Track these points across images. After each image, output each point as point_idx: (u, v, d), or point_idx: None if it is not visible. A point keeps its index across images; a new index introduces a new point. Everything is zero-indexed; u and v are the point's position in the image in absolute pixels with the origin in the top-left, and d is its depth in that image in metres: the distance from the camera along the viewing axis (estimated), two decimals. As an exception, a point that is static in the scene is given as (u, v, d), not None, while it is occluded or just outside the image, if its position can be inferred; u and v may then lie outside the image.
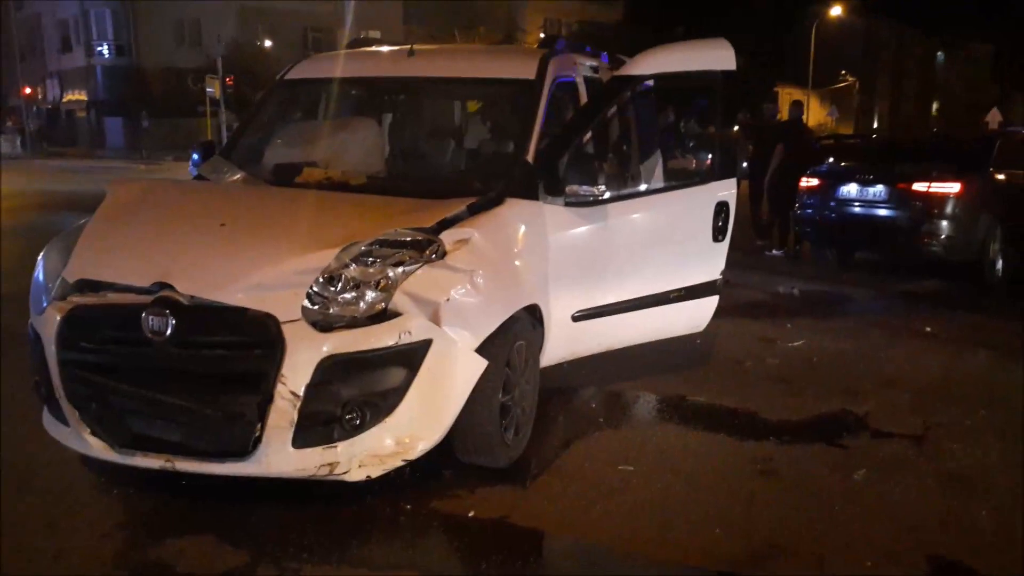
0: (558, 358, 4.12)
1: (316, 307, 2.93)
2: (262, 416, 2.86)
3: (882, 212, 8.00)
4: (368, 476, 3.01)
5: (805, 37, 39.66)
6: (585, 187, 3.76)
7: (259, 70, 31.49)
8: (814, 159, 9.22)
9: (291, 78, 4.63)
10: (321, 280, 2.96)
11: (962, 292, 7.72)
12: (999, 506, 3.30)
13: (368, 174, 4.05)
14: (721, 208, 4.48)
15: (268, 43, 36.64)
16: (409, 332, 2.97)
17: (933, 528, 3.12)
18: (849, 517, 3.19)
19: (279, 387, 2.84)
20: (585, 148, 3.96)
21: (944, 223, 7.58)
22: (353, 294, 2.98)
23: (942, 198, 7.58)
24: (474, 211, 3.43)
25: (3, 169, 25.27)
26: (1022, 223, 7.94)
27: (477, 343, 3.16)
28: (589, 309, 4.07)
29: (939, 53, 41.71)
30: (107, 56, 39.35)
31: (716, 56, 4.40)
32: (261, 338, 2.88)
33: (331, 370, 2.87)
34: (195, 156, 4.38)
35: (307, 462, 2.92)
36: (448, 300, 3.07)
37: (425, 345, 3.00)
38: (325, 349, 2.87)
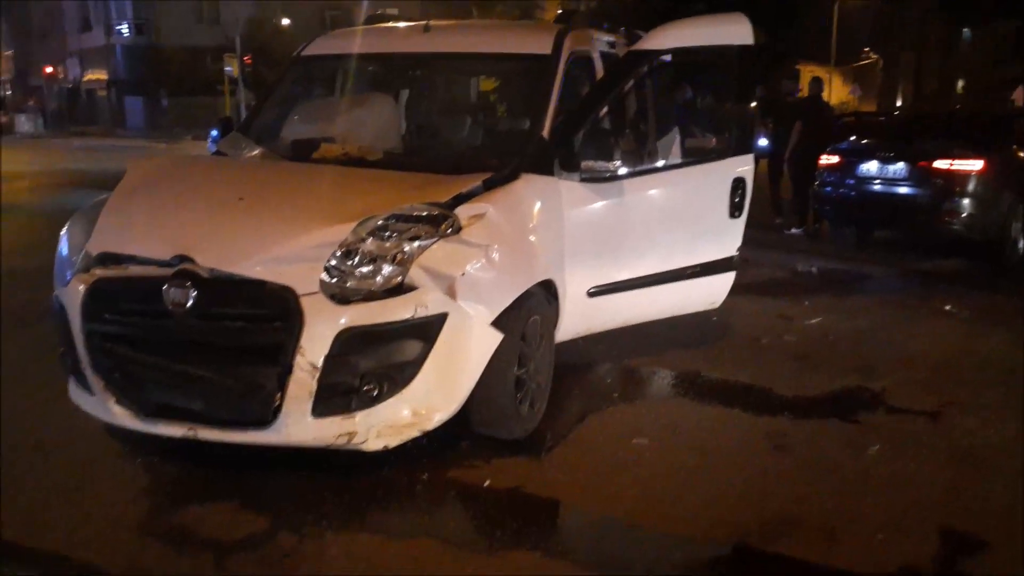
0: (573, 333, 4.15)
1: (334, 280, 2.98)
2: (282, 387, 2.92)
3: (902, 190, 7.92)
4: (385, 446, 3.07)
5: (827, 13, 39.02)
6: (600, 163, 3.77)
7: (276, 48, 31.48)
8: (834, 136, 9.13)
9: (308, 54, 4.66)
10: (339, 254, 3.00)
11: (982, 271, 7.64)
12: (1013, 482, 3.30)
13: (384, 150, 4.08)
14: (738, 184, 4.46)
15: (285, 21, 36.58)
16: (425, 306, 3.00)
17: (946, 503, 3.13)
18: (862, 491, 3.21)
19: (298, 358, 2.89)
20: (601, 124, 3.96)
21: (965, 201, 7.50)
22: (370, 268, 3.01)
23: (964, 176, 7.49)
24: (489, 186, 3.45)
25: (25, 148, 25.56)
26: (1046, 202, 7.84)
27: (492, 317, 3.19)
28: (604, 285, 4.09)
29: (965, 30, 40.93)
30: (127, 35, 39.47)
31: (733, 31, 4.37)
32: (280, 310, 2.92)
33: (349, 342, 2.92)
34: (214, 133, 4.42)
35: (326, 432, 2.98)
36: (463, 275, 3.11)
37: (441, 319, 3.04)
38: (343, 322, 2.91)
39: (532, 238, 3.57)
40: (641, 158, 4.42)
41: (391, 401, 3.02)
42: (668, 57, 4.49)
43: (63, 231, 3.48)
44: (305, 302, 2.91)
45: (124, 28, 39.43)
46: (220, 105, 33.55)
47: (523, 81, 4.52)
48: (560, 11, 5.14)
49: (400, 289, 3.02)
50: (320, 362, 2.90)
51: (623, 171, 3.94)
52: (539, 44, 4.16)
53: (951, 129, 8.82)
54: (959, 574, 2.74)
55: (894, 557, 2.75)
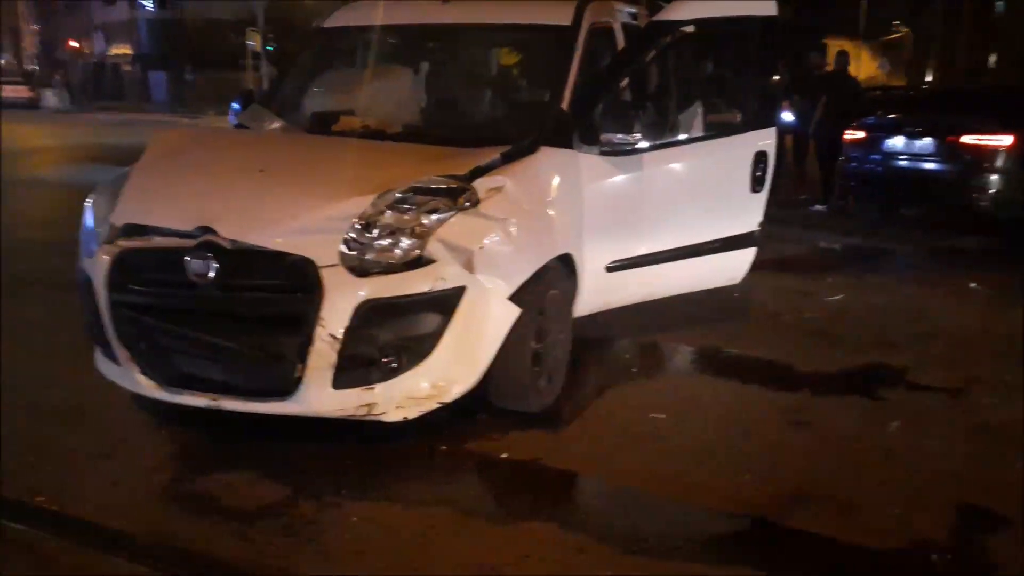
0: (592, 308, 4.14)
1: (353, 252, 2.99)
2: (303, 357, 2.95)
3: (929, 166, 7.80)
4: (405, 417, 3.10)
5: (857, -15, 38.22)
6: (620, 136, 3.75)
7: (298, 21, 31.37)
8: (859, 111, 8.98)
9: (329, 26, 4.66)
10: (358, 226, 3.01)
11: (1009, 248, 7.53)
12: (1034, 459, 3.28)
13: (404, 122, 4.07)
14: (760, 158, 4.42)
15: (308, -6, 36.43)
16: (443, 279, 3.02)
17: (965, 479, 3.12)
18: (880, 467, 3.21)
19: (318, 330, 2.92)
20: (621, 96, 3.93)
21: (994, 177, 7.37)
22: (389, 240, 3.03)
23: (992, 151, 7.36)
24: (508, 159, 3.44)
25: (52, 123, 25.81)
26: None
27: (510, 291, 3.20)
28: (623, 260, 4.08)
29: (999, 2, 39.91)
30: (150, 7, 39.53)
31: (756, 2, 4.30)
32: (300, 282, 2.95)
33: (368, 314, 2.94)
34: (235, 105, 4.44)
35: (346, 402, 3.02)
36: (482, 248, 3.11)
37: (459, 292, 3.06)
38: (362, 294, 2.94)
39: (550, 212, 3.57)
40: (662, 131, 4.39)
41: (410, 373, 3.05)
42: (691, 29, 4.43)
43: (87, 203, 3.52)
44: (325, 274, 2.94)
45: (147, 1, 39.50)
46: (243, 79, 33.60)
47: (543, 53, 4.49)
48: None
49: (419, 262, 3.03)
50: (340, 334, 2.93)
51: (643, 144, 3.91)
52: (559, 15, 4.12)
53: (980, 104, 8.65)
54: (978, 549, 2.73)
55: (912, 532, 2.75)
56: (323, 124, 4.08)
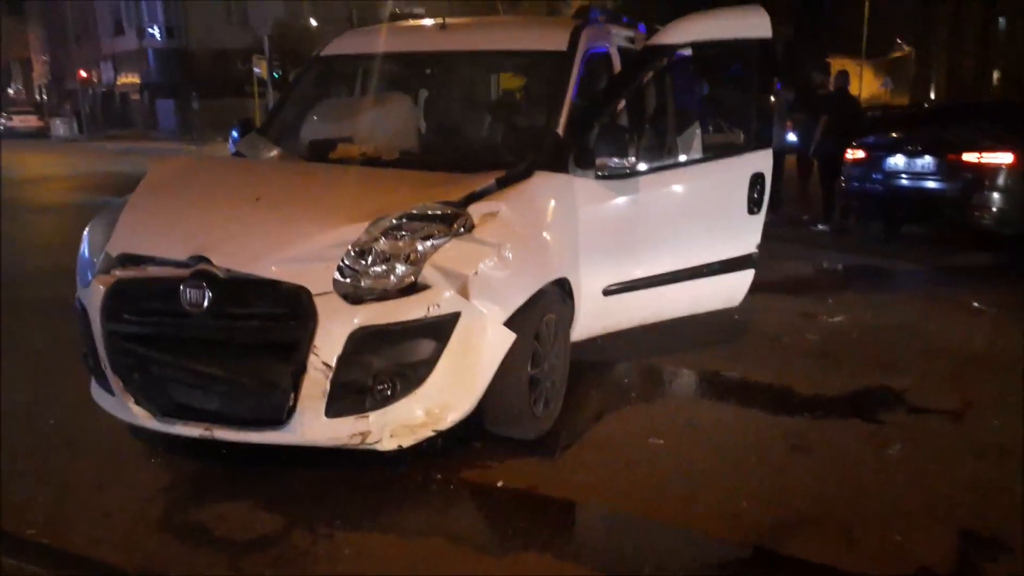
0: (590, 332, 4.13)
1: (347, 280, 2.99)
2: (296, 386, 2.94)
3: (930, 184, 7.78)
4: (399, 446, 3.07)
5: (858, 5, 38.39)
6: (615, 159, 3.75)
7: (304, 49, 31.70)
8: (860, 131, 8.99)
9: (327, 54, 4.69)
10: (352, 253, 3.01)
11: (1012, 267, 7.49)
12: (1038, 483, 3.24)
13: (401, 149, 4.09)
14: (756, 180, 4.41)
15: (313, 23, 36.86)
16: (438, 305, 3.01)
17: (967, 504, 3.08)
18: (881, 491, 3.16)
19: (312, 358, 2.91)
20: (616, 120, 3.94)
21: (996, 195, 7.34)
22: (383, 267, 3.03)
23: (993, 169, 7.34)
24: (503, 184, 3.44)
25: (61, 151, 26.07)
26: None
27: (506, 316, 3.19)
28: (621, 283, 4.07)
29: (1000, 19, 40.01)
30: (158, 38, 40.06)
31: (751, 23, 4.32)
32: (294, 310, 2.95)
33: (362, 341, 2.93)
34: (234, 134, 4.47)
35: (340, 431, 3.00)
36: (476, 273, 3.11)
37: (454, 318, 3.05)
38: (356, 321, 2.93)
39: (546, 236, 3.56)
40: (658, 154, 4.39)
41: (404, 401, 3.03)
42: (688, 51, 4.45)
43: (85, 232, 3.53)
44: (319, 301, 2.93)
45: (155, 31, 40.02)
46: (250, 107, 33.92)
47: (539, 78, 4.51)
48: (576, 7, 5.10)
49: (413, 288, 3.03)
50: (334, 361, 2.92)
51: (639, 168, 3.92)
52: (555, 41, 4.15)
53: (981, 121, 8.65)
54: (979, 577, 2.69)
55: (912, 559, 2.70)
56: (320, 152, 4.09)
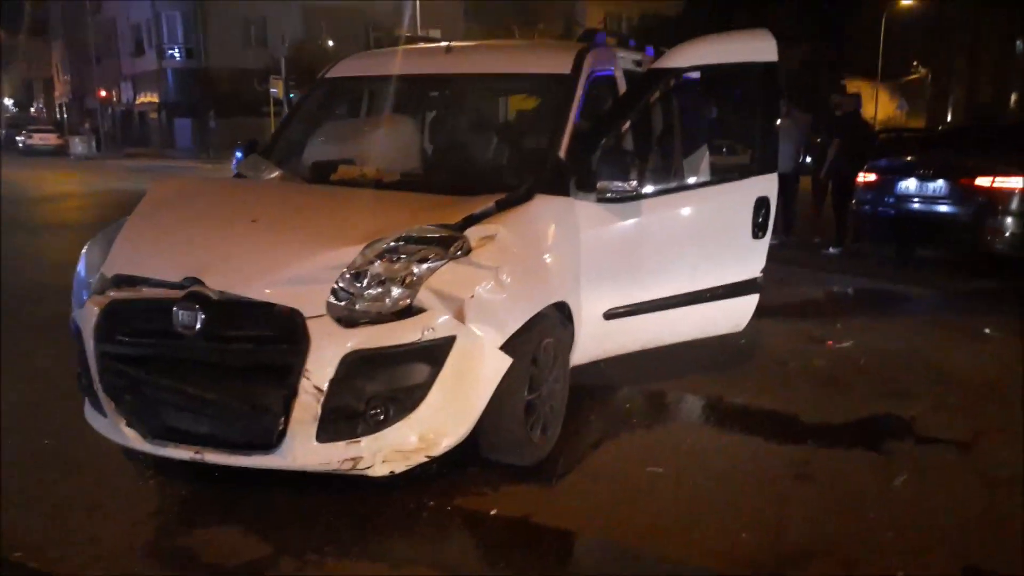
0: (590, 356, 4.08)
1: (342, 303, 2.96)
2: (287, 410, 2.90)
3: (943, 208, 7.69)
4: (392, 472, 3.03)
5: (875, 27, 38.38)
6: (617, 183, 3.71)
7: (320, 70, 32.01)
8: (871, 153, 8.93)
9: (332, 76, 4.70)
10: (348, 276, 2.99)
11: (1025, 292, 7.39)
12: (1048, 518, 3.14)
13: (403, 171, 4.07)
14: (761, 204, 4.36)
15: (330, 43, 37.26)
16: (433, 328, 2.97)
17: (973, 538, 2.99)
18: (884, 524, 3.08)
19: (303, 381, 2.88)
20: (619, 143, 3.90)
21: (1009, 219, 7.24)
22: (379, 290, 2.99)
23: (1007, 193, 7.25)
24: (502, 207, 3.42)
25: (79, 169, 26.37)
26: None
27: (502, 340, 3.14)
28: (622, 307, 4.02)
29: (1019, 42, 39.84)
30: (177, 59, 40.62)
31: (756, 47, 4.29)
32: (286, 333, 2.92)
33: (355, 365, 2.90)
34: (238, 154, 4.47)
35: (331, 456, 2.96)
36: (473, 297, 3.07)
37: (449, 341, 3.01)
38: (349, 345, 2.89)
39: (545, 259, 3.53)
40: (663, 177, 4.35)
41: (398, 426, 2.98)
42: (696, 74, 4.43)
43: (82, 252, 3.53)
44: (311, 325, 2.90)
45: (175, 52, 40.57)
46: (266, 126, 34.25)
47: (543, 101, 4.50)
48: (584, 30, 5.10)
49: (408, 312, 2.99)
50: (325, 385, 2.88)
51: (641, 191, 3.88)
52: (558, 63, 4.13)
53: (994, 145, 8.56)
54: (985, 616, 2.60)
55: (915, 596, 2.63)
56: (322, 173, 4.09)
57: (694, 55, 4.15)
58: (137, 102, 45.32)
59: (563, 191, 3.70)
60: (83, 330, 3.23)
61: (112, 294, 3.20)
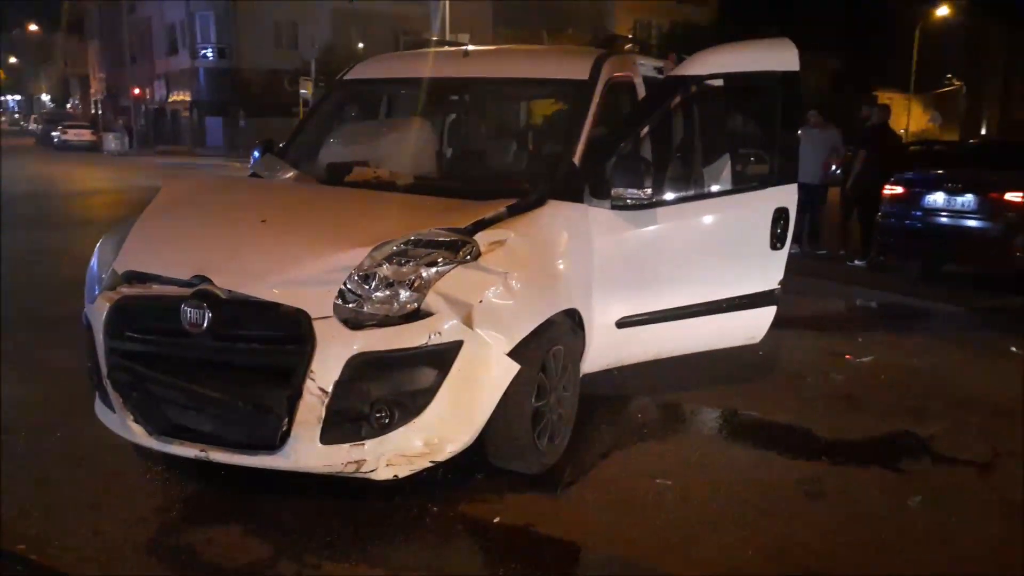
0: (602, 365, 4.04)
1: (349, 305, 2.95)
2: (291, 411, 2.89)
3: (971, 223, 7.54)
4: (395, 476, 3.00)
5: (908, 39, 37.93)
6: (631, 190, 3.67)
7: (350, 72, 32.18)
8: (899, 165, 8.78)
9: (350, 78, 4.71)
10: (356, 278, 2.97)
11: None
12: (1068, 544, 3.05)
13: (416, 174, 4.05)
14: (780, 214, 4.29)
15: (360, 45, 37.50)
16: (439, 333, 2.95)
17: (988, 562, 2.91)
18: (896, 545, 3.00)
19: (308, 383, 2.86)
20: (635, 150, 3.86)
21: (1039, 236, 7.09)
22: (387, 293, 2.98)
23: (1037, 209, 7.09)
24: (513, 212, 3.39)
25: (110, 166, 26.74)
26: None
27: (510, 346, 3.11)
28: (635, 316, 3.96)
29: (1055, 55, 39.17)
30: (210, 58, 41.09)
31: (777, 56, 4.23)
32: (292, 333, 2.91)
33: (360, 368, 2.88)
34: (256, 154, 4.49)
35: (334, 458, 2.94)
36: (481, 302, 3.04)
37: (455, 346, 2.98)
38: (355, 347, 2.88)
39: (556, 266, 3.49)
40: (679, 186, 4.30)
41: (402, 430, 2.96)
42: (720, 82, 4.37)
43: (96, 248, 3.55)
44: (318, 326, 2.89)
45: (208, 52, 41.04)
46: (295, 126, 34.47)
47: (559, 106, 4.46)
48: (604, 36, 5.06)
49: (416, 315, 2.97)
50: (330, 387, 2.86)
51: (656, 199, 3.83)
52: (576, 69, 4.10)
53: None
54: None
55: (925, 622, 2.55)
56: (336, 175, 4.08)
57: (714, 62, 4.10)
58: (169, 100, 45.91)
59: (576, 197, 3.67)
60: (94, 325, 3.25)
61: (123, 290, 3.21)
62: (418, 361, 2.96)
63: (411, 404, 2.97)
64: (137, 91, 45.04)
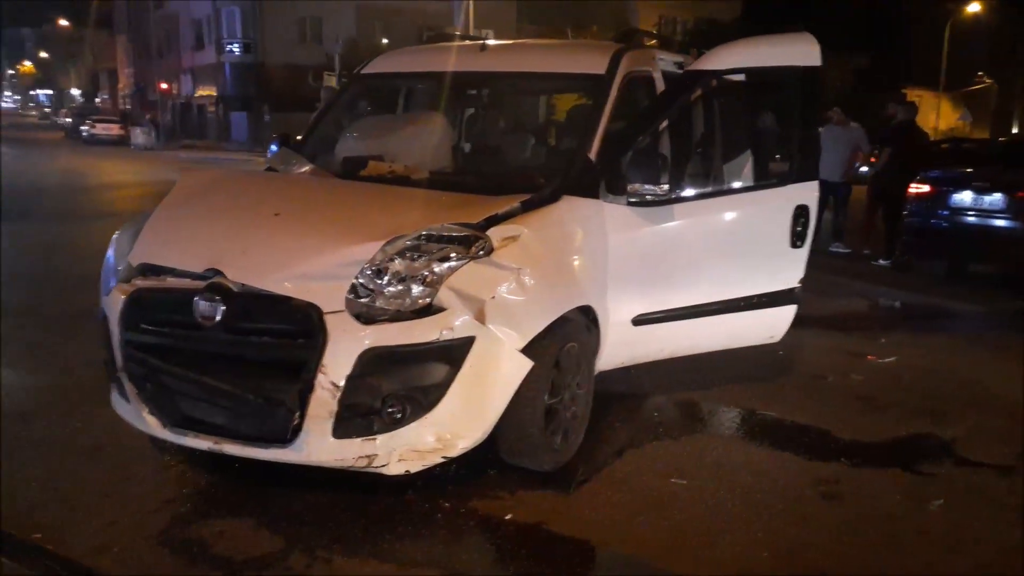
0: (618, 363, 4.00)
1: (361, 299, 2.94)
2: (302, 405, 2.89)
3: (999, 222, 7.41)
4: (407, 471, 2.99)
5: (937, 36, 37.34)
6: (648, 186, 3.63)
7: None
8: (925, 163, 8.64)
9: (367, 72, 4.70)
10: (368, 272, 2.96)
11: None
12: (1092, 551, 2.97)
13: (431, 168, 4.04)
14: (800, 212, 4.22)
15: (384, 41, 37.61)
16: (451, 328, 2.93)
17: (1009, 568, 2.84)
18: (914, 549, 2.95)
19: (320, 377, 2.86)
20: (652, 146, 3.81)
21: (1069, 235, 6.95)
22: (399, 288, 2.96)
23: (1068, 208, 6.95)
24: (527, 207, 3.36)
25: (138, 159, 27.05)
26: None
27: (523, 343, 3.08)
28: (651, 313, 3.92)
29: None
30: (235, 53, 41.42)
31: (798, 51, 4.15)
32: (304, 327, 2.90)
33: (372, 363, 2.87)
34: (273, 147, 4.50)
35: (346, 453, 2.93)
36: (493, 298, 3.02)
37: (467, 342, 2.96)
38: (367, 341, 2.87)
39: (571, 262, 3.46)
40: (697, 182, 4.25)
41: (414, 425, 2.95)
42: (727, 78, 4.31)
43: (112, 240, 3.57)
44: (329, 320, 2.88)
45: (234, 47, 41.38)
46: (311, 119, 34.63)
47: (576, 101, 4.43)
48: (623, 30, 5.01)
49: (428, 310, 2.95)
50: (342, 381, 2.86)
51: (673, 195, 3.79)
52: (593, 64, 4.06)
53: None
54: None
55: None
56: (352, 169, 4.08)
57: (733, 57, 4.04)
58: (196, 95, 46.35)
59: (592, 193, 3.63)
60: (109, 317, 3.27)
61: (138, 283, 3.23)
62: (430, 356, 2.95)
63: (423, 399, 2.95)
64: (164, 86, 45.53)
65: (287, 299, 2.94)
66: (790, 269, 4.32)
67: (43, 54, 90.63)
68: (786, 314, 4.39)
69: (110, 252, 3.51)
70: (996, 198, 7.42)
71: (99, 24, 64.60)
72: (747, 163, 4.88)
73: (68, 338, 5.20)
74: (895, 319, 6.97)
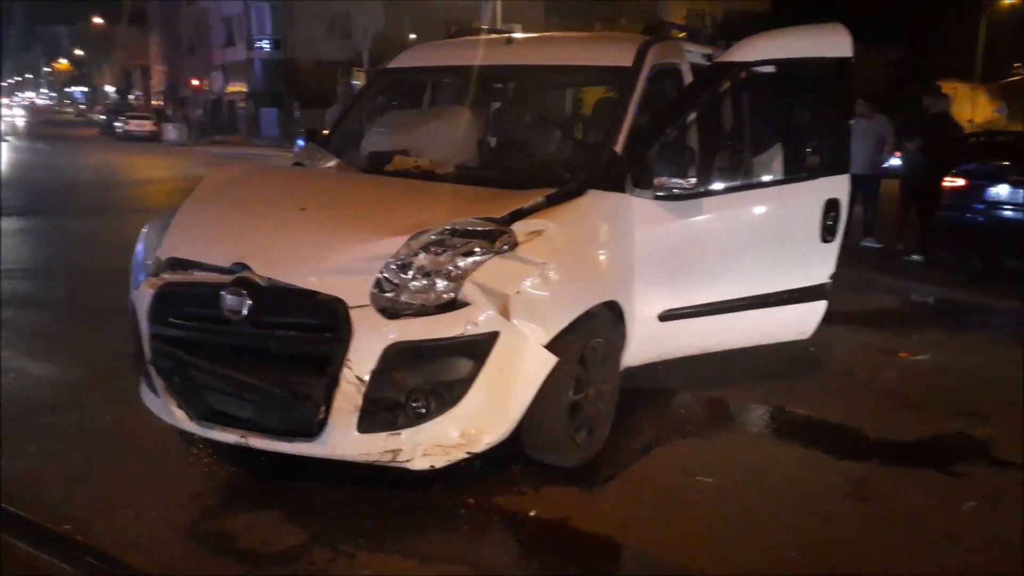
0: (644, 358, 3.96)
1: (386, 294, 2.94)
2: (328, 399, 2.89)
3: (1037, 217, 7.23)
4: (431, 466, 2.99)
5: (973, 27, 36.57)
6: (675, 180, 3.58)
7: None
8: (959, 157, 8.45)
9: (394, 67, 4.70)
10: (393, 267, 2.96)
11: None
12: None
13: (457, 163, 4.03)
14: (831, 206, 4.15)
15: (412, 36, 37.70)
16: (475, 323, 2.92)
17: (1046, 573, 2.77)
18: (945, 551, 2.89)
19: (345, 371, 2.86)
20: (679, 139, 3.76)
21: (1109, 231, 6.77)
22: (424, 282, 2.96)
23: (1108, 203, 6.77)
24: (553, 202, 3.34)
25: (170, 155, 27.38)
26: None
27: (548, 338, 3.07)
28: (678, 309, 3.88)
29: None
30: (265, 49, 41.76)
31: (829, 42, 4.08)
32: (329, 322, 2.91)
33: (396, 357, 2.87)
34: (300, 142, 4.52)
35: (371, 447, 2.94)
36: (518, 292, 3.00)
37: (491, 337, 2.95)
38: (391, 336, 2.87)
39: (596, 256, 3.44)
40: (725, 175, 4.19)
41: (439, 420, 2.94)
42: (771, 69, 4.24)
43: (140, 235, 3.61)
44: (355, 314, 2.88)
45: (264, 43, 41.71)
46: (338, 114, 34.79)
47: (603, 94, 4.38)
48: (651, 23, 4.95)
49: (452, 305, 2.95)
50: (367, 376, 2.86)
51: (701, 188, 3.74)
52: (620, 56, 4.02)
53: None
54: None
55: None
56: (378, 163, 4.08)
57: (763, 48, 3.98)
58: (226, 91, 46.80)
59: (618, 187, 3.59)
60: (138, 311, 3.30)
61: (166, 277, 3.26)
62: (454, 351, 2.94)
63: (447, 394, 2.95)
64: (196, 82, 46.03)
65: (313, 293, 2.95)
66: (820, 264, 4.25)
67: (78, 52, 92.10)
68: (816, 310, 4.32)
69: (139, 246, 3.55)
70: (1034, 192, 7.24)
71: (132, 21, 65.51)
72: (777, 156, 4.80)
73: (99, 331, 5.27)
74: (928, 316, 6.85)
